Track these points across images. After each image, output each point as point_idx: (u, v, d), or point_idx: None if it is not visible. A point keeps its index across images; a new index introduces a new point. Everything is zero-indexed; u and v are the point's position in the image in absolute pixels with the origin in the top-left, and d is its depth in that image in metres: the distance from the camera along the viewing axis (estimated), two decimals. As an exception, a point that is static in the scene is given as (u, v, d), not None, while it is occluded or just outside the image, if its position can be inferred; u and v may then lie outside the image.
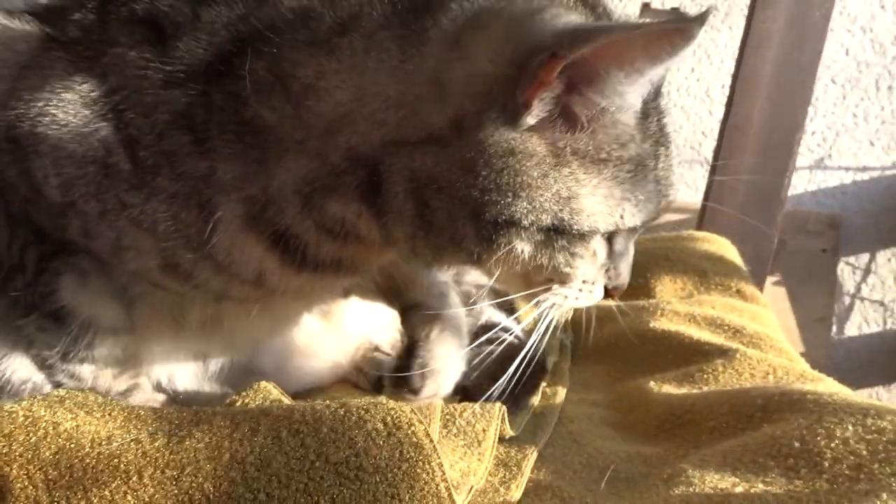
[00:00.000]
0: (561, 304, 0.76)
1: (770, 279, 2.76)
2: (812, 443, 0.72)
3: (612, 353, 1.21)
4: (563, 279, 0.74)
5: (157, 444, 0.63)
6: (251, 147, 0.73)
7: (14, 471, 0.63)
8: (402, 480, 0.61)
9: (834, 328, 2.79)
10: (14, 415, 0.67)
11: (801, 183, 2.75)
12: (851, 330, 2.80)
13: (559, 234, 0.69)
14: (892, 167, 2.72)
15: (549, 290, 0.75)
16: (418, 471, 0.62)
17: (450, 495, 0.62)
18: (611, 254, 0.76)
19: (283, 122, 0.72)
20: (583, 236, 0.70)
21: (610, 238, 0.75)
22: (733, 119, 1.57)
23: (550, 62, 0.62)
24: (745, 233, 1.60)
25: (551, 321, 0.76)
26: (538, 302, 0.75)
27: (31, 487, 0.62)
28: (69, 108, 0.73)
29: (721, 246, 1.50)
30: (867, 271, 2.79)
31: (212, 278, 0.80)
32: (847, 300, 2.80)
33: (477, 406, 0.81)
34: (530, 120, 0.66)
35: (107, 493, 0.61)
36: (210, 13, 0.73)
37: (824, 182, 2.75)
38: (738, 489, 0.69)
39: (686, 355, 1.08)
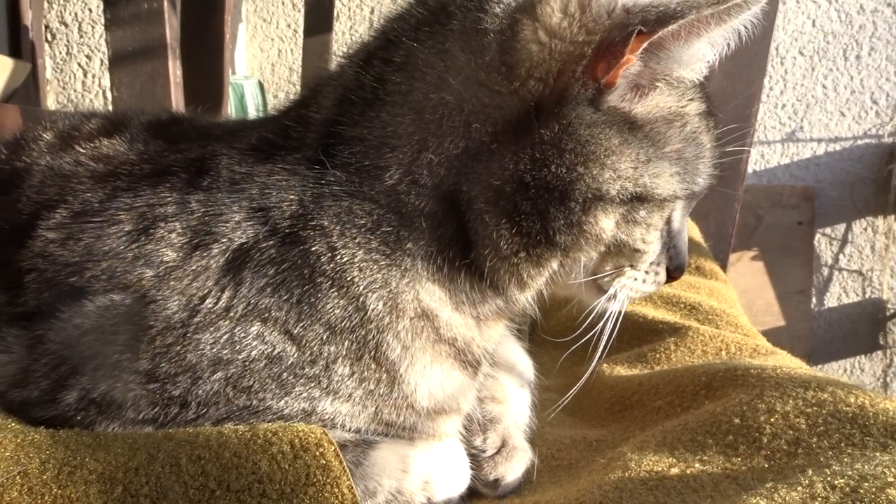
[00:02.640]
0: (632, 287, 0.78)
1: (748, 254, 2.76)
2: (752, 418, 0.70)
3: (569, 337, 1.19)
4: (635, 260, 0.76)
5: (45, 476, 0.58)
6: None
7: None
8: None
9: (814, 300, 2.79)
10: None
11: (775, 157, 2.74)
12: (831, 301, 2.80)
13: (641, 203, 0.71)
14: (864, 136, 2.71)
15: (621, 274, 0.76)
16: (326, 494, 0.58)
17: None
18: (670, 231, 0.79)
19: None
20: (661, 203, 0.72)
21: (669, 215, 0.77)
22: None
23: (638, 39, 0.65)
24: (706, 209, 1.59)
25: (621, 309, 0.78)
26: (608, 290, 0.77)
27: None
28: None
29: (681, 223, 1.48)
30: (844, 241, 2.78)
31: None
32: (825, 271, 2.79)
33: None
34: (614, 98, 0.68)
35: (-12, 536, 0.56)
36: None
37: (797, 155, 2.75)
38: (674, 470, 0.67)
39: (640, 335, 1.07)
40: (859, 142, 2.74)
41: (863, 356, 2.83)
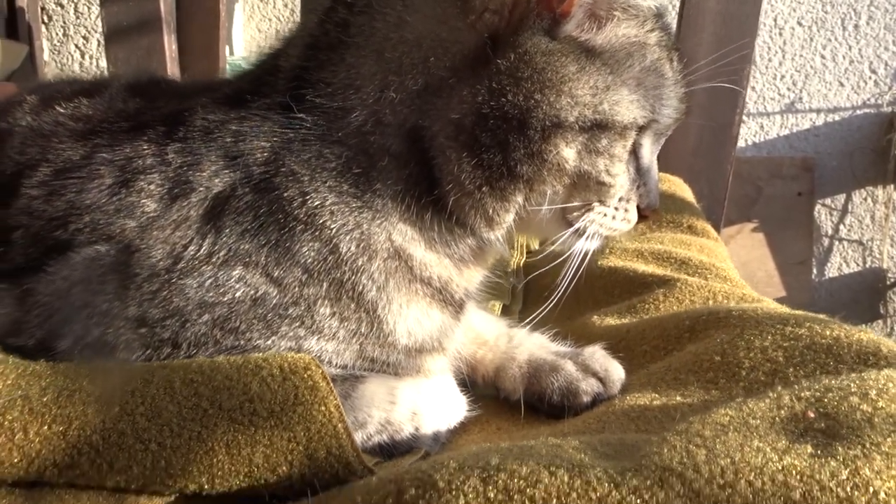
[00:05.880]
0: (601, 223, 0.78)
1: (748, 226, 2.76)
2: (732, 355, 0.72)
3: (563, 293, 1.21)
4: (603, 195, 0.76)
5: (45, 398, 0.62)
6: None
7: None
8: (297, 423, 0.61)
9: (814, 270, 2.80)
10: None
11: (774, 128, 2.74)
12: (832, 271, 2.81)
13: (601, 131, 0.72)
14: (863, 106, 2.71)
15: (590, 209, 0.77)
16: (314, 413, 0.61)
17: (348, 434, 0.61)
18: (639, 168, 0.80)
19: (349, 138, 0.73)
20: (623, 131, 0.73)
21: (636, 150, 0.78)
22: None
23: None
24: (698, 169, 1.60)
25: (591, 248, 0.79)
26: (577, 230, 0.78)
27: None
28: None
29: (673, 184, 1.50)
30: (844, 212, 2.79)
31: None
32: (826, 242, 2.80)
33: None
34: (570, 27, 0.70)
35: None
36: None
37: (796, 126, 2.75)
38: (656, 403, 0.69)
39: (630, 288, 1.08)
40: (858, 112, 2.74)
41: (864, 325, 2.84)
